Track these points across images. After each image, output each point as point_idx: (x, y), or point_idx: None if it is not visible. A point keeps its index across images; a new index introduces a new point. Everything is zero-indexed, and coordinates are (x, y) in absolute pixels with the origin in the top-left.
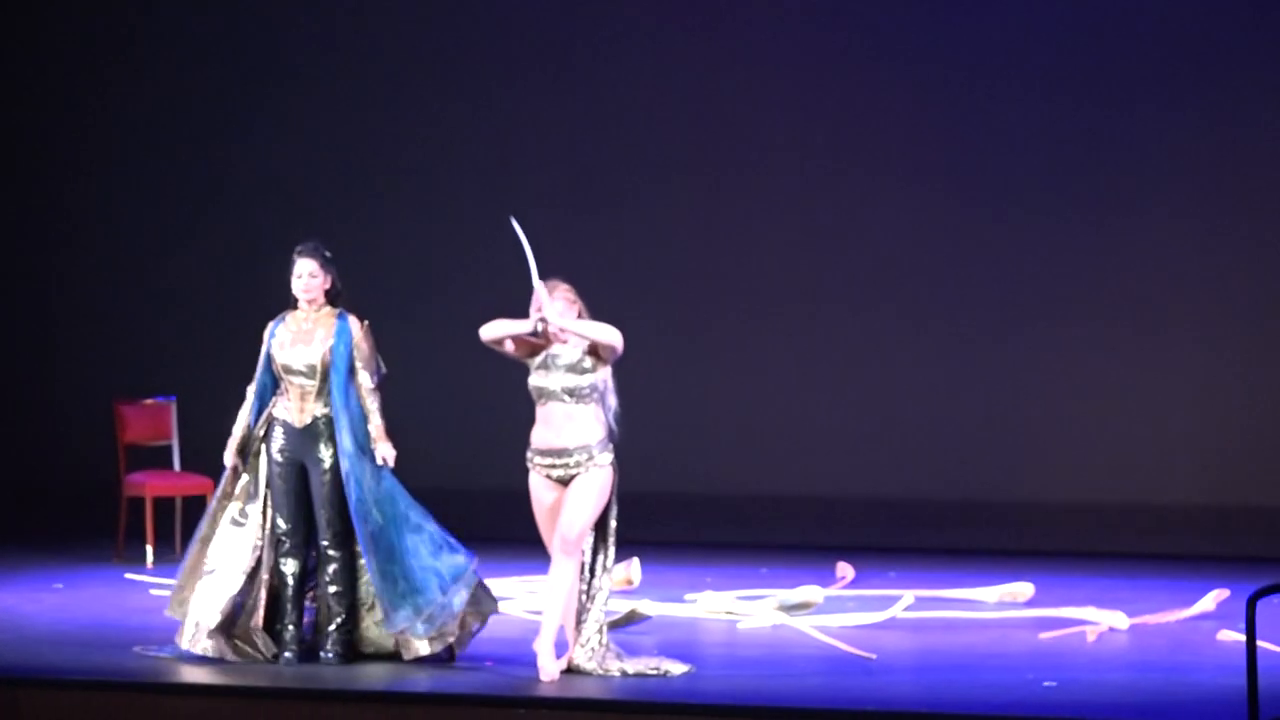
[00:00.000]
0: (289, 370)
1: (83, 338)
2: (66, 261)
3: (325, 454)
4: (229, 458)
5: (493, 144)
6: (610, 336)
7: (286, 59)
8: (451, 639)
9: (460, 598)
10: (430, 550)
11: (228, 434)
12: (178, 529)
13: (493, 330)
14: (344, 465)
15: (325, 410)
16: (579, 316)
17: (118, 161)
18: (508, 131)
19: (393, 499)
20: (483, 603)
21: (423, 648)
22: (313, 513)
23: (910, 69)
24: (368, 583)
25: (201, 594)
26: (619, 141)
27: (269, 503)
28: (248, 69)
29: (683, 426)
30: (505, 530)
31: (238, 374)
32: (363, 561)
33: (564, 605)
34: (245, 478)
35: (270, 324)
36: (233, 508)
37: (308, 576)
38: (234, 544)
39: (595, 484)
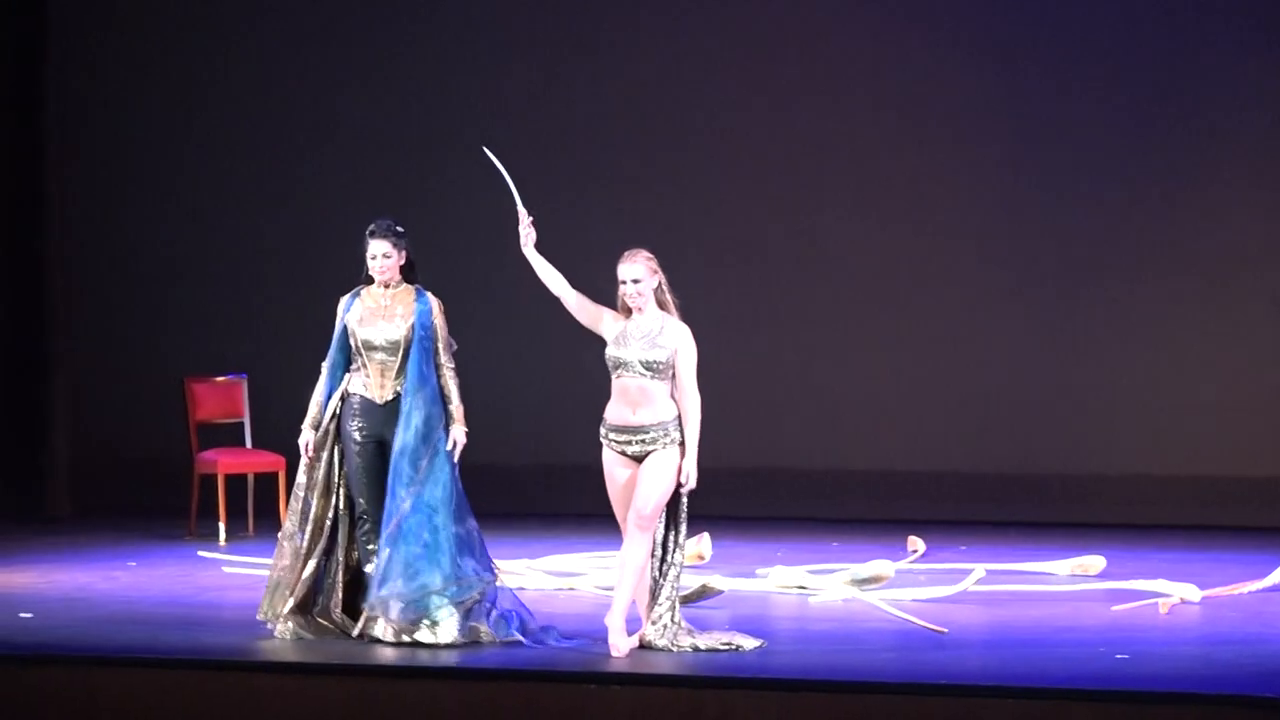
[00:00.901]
0: (370, 346)
1: (154, 315)
2: (136, 239)
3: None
4: (307, 434)
5: (565, 116)
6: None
7: (356, 29)
8: (408, 637)
9: (447, 613)
10: (446, 553)
11: (299, 410)
12: (250, 505)
13: (552, 287)
14: (406, 441)
15: (404, 386)
16: (659, 287)
17: (186, 139)
18: (581, 104)
19: (435, 486)
20: (480, 635)
21: (385, 632)
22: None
23: (985, 34)
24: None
25: (283, 577)
26: (688, 116)
27: (345, 481)
28: (316, 41)
29: (753, 402)
30: (576, 505)
31: (309, 350)
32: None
33: (636, 581)
34: (321, 456)
35: (344, 299)
36: (309, 492)
37: None
38: (310, 524)
39: (671, 461)
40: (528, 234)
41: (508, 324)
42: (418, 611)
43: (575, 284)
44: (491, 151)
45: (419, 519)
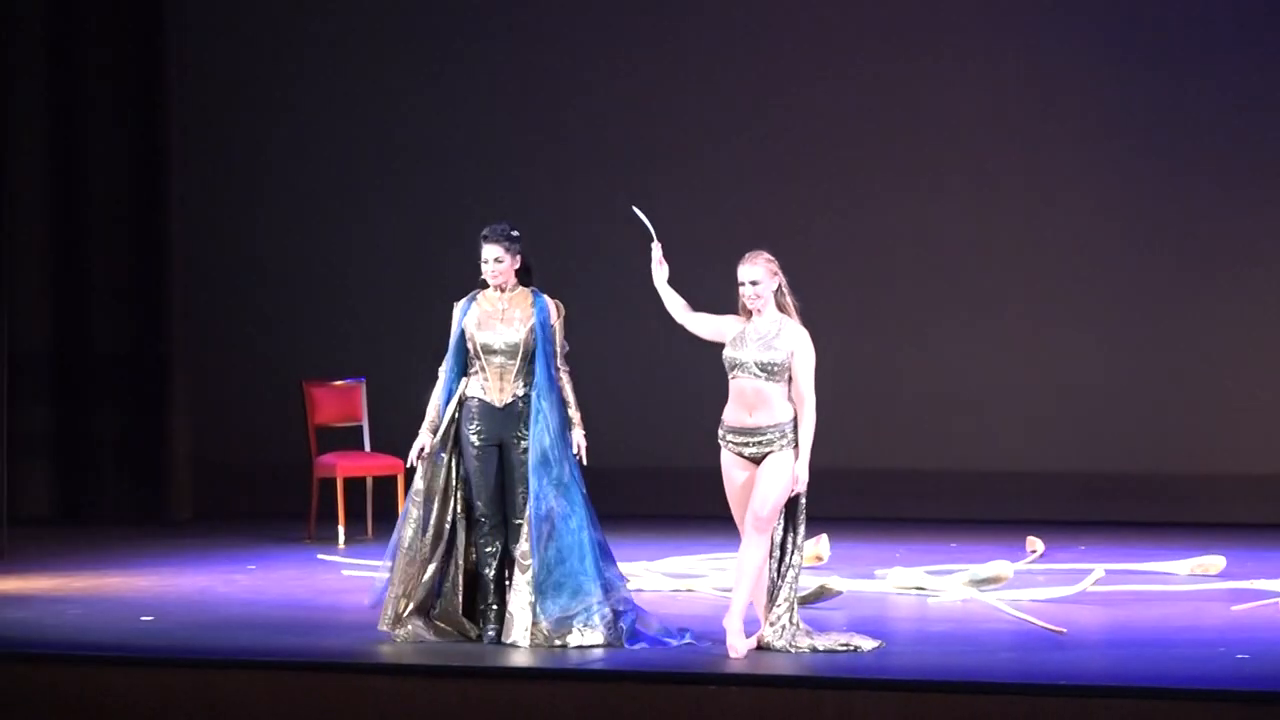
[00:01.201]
0: (488, 350)
1: (273, 319)
2: (257, 243)
3: (524, 433)
4: (423, 438)
5: (684, 114)
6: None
7: (463, 40)
8: (559, 641)
9: (599, 617)
10: (593, 556)
11: (417, 414)
12: (369, 509)
13: (676, 315)
14: (544, 444)
15: (525, 390)
16: (779, 289)
17: (307, 143)
18: (697, 103)
19: (571, 491)
20: (611, 632)
21: (538, 639)
22: (506, 492)
23: (1102, 22)
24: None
25: (401, 584)
26: (797, 115)
27: (462, 484)
28: (436, 48)
29: (871, 401)
30: (694, 508)
31: (427, 354)
32: (525, 546)
33: (754, 583)
34: (439, 461)
35: (460, 303)
36: (427, 497)
37: (506, 553)
38: (430, 529)
39: (788, 463)
40: (661, 269)
41: (622, 325)
42: (577, 622)
43: (690, 285)
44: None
45: (567, 526)
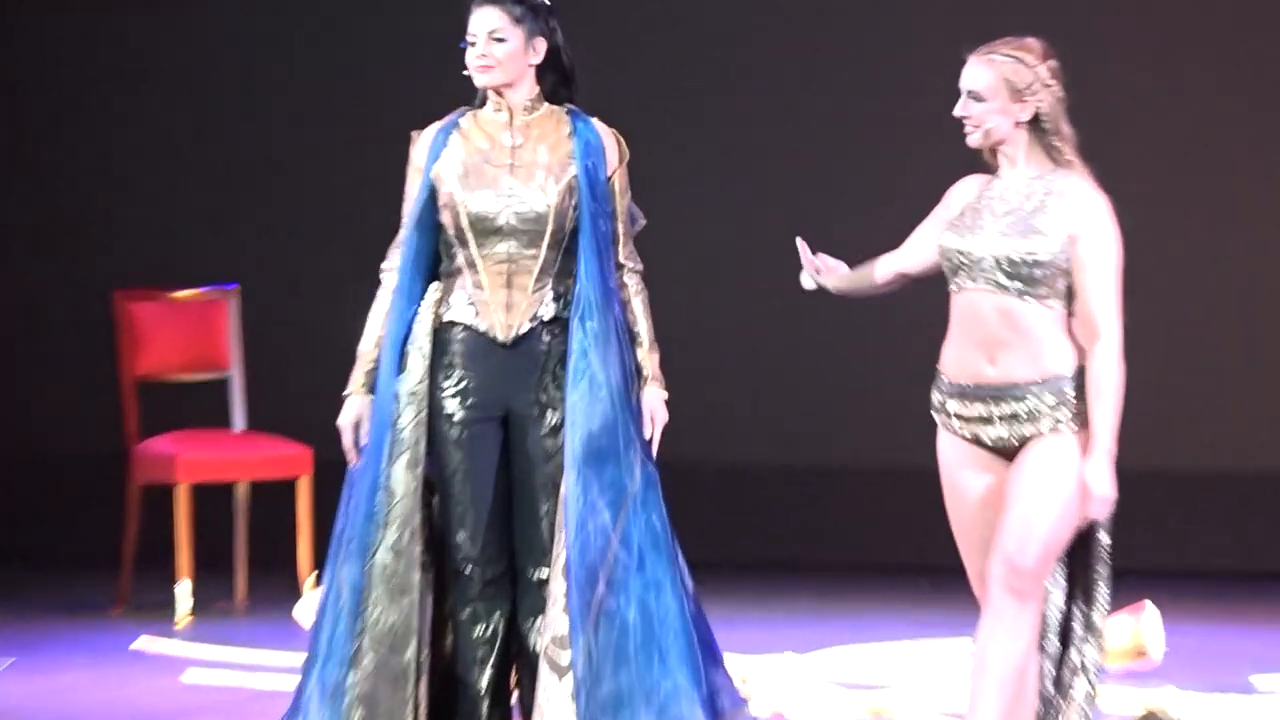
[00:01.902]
0: (485, 227)
1: (59, 197)
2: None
3: (553, 394)
4: (356, 406)
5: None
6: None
7: None
8: None
9: None
10: (687, 643)
11: (342, 356)
12: (239, 548)
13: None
14: (594, 421)
15: (555, 307)
16: (1039, 118)
17: None
18: None
19: (646, 514)
20: None
21: None
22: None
23: None
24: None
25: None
26: None
27: (434, 501)
28: None
29: (1214, 348)
30: (880, 549)
31: (357, 249)
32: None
33: (1010, 700)
34: (398, 450)
35: (425, 135)
36: (372, 526)
37: (515, 636)
38: (380, 588)
39: (1072, 458)
40: (827, 278)
41: (731, 238)
42: None
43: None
44: None
45: (637, 585)
